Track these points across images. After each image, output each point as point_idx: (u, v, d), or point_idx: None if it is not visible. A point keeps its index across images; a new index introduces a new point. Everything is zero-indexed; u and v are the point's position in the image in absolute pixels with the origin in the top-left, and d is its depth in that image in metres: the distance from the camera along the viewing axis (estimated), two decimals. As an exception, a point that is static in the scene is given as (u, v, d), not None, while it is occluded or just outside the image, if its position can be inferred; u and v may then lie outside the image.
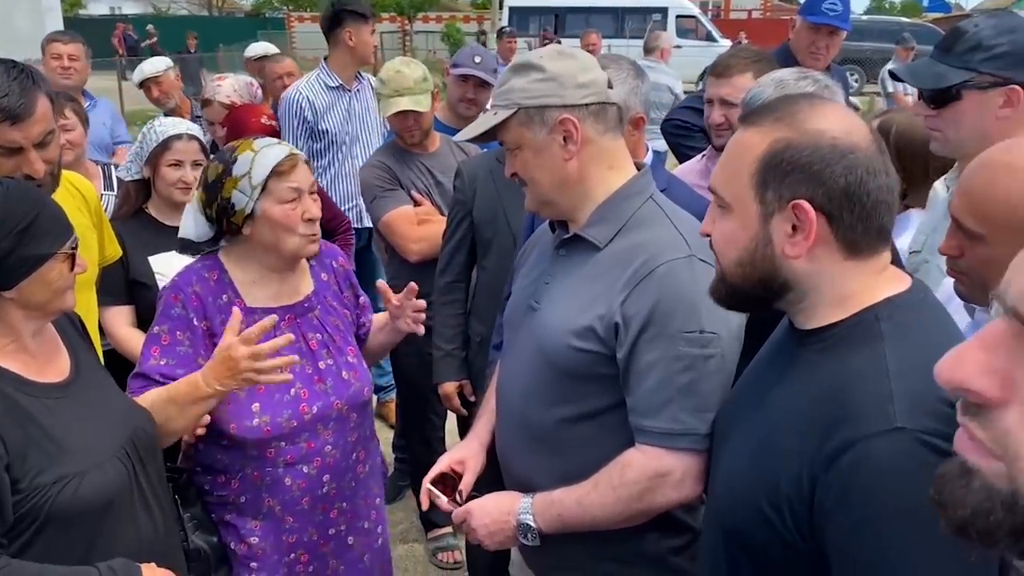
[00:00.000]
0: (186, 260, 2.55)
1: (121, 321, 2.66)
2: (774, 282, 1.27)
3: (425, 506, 1.88)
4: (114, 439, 1.69)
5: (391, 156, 3.31)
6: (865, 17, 27.05)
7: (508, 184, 2.86)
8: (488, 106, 1.75)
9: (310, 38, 25.00)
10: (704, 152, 2.99)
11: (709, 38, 26.07)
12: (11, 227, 1.55)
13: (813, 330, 1.28)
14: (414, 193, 3.27)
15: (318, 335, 2.07)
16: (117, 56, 24.57)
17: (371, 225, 3.70)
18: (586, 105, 1.65)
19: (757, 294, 1.31)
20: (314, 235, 2.01)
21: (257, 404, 1.92)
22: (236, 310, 1.82)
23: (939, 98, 2.01)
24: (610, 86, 1.72)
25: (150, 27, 29.01)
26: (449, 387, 3.04)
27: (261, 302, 2.02)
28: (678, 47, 23.70)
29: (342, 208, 4.10)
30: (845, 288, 1.25)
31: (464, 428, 3.29)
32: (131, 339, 2.58)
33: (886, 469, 1.10)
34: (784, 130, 1.23)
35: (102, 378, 1.80)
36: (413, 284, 2.16)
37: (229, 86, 3.97)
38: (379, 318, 2.36)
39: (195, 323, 1.94)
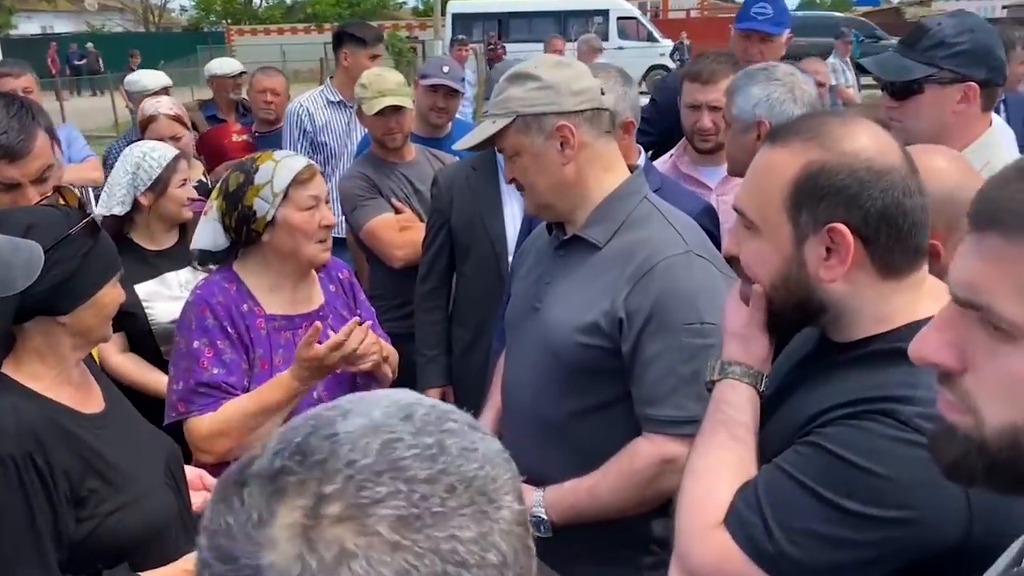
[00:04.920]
0: (163, 288, 2.59)
1: (114, 349, 2.66)
2: (810, 305, 1.25)
3: None
4: (156, 465, 1.71)
5: (369, 166, 3.35)
6: (799, 13, 27.71)
7: (485, 191, 2.96)
8: (486, 114, 1.82)
9: (250, 51, 24.73)
10: (672, 152, 3.09)
11: (650, 38, 26.55)
12: (77, 249, 1.55)
13: (849, 343, 1.25)
14: (394, 201, 3.31)
15: None
16: (51, 75, 24.22)
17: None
18: (581, 111, 1.73)
19: (795, 318, 1.29)
20: (327, 243, 2.10)
21: None
22: (317, 323, 1.96)
23: (902, 90, 2.13)
24: (602, 93, 1.80)
25: (89, 45, 28.72)
26: (433, 393, 3.09)
27: (279, 309, 2.09)
28: (620, 48, 24.09)
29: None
30: (885, 308, 1.23)
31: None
32: (125, 365, 2.61)
33: None
34: (817, 151, 1.20)
35: (127, 406, 1.81)
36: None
37: (167, 100, 3.84)
38: None
39: (229, 331, 2.00)
